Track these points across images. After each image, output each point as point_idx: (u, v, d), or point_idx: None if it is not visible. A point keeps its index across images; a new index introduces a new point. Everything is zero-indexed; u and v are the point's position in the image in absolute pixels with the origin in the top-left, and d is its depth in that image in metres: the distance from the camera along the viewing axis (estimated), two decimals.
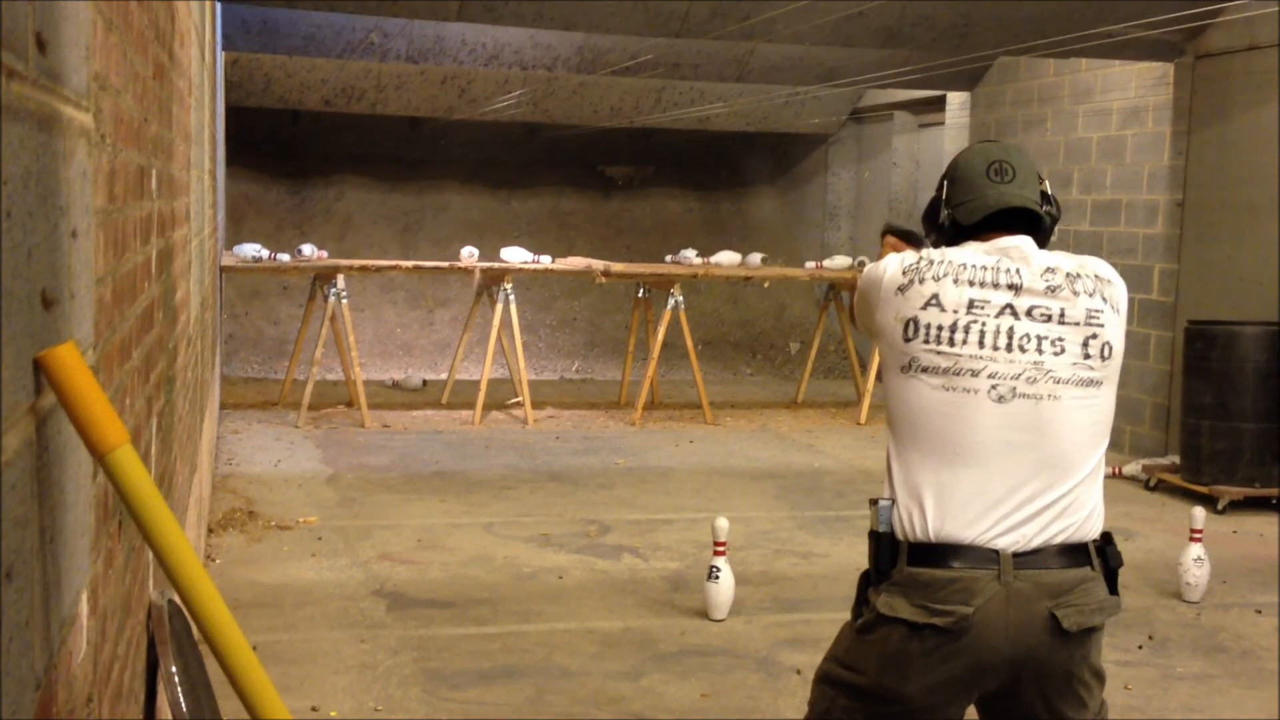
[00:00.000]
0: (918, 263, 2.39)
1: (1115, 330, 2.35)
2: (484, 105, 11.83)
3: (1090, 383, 2.32)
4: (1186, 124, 8.17)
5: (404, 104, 11.96)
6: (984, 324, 2.31)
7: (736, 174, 14.51)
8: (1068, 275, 2.35)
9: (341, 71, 11.35)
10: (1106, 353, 2.33)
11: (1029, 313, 2.31)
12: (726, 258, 10.09)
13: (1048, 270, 2.35)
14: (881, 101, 12.36)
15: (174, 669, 1.95)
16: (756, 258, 10.30)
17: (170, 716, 1.93)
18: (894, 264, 2.42)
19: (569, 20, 7.50)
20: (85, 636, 1.33)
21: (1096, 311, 2.34)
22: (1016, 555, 2.24)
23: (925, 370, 2.32)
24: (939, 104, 11.31)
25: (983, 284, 2.33)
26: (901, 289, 2.37)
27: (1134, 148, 8.62)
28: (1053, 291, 2.33)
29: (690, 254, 10.14)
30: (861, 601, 2.37)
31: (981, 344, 2.30)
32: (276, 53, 10.04)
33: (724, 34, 7.58)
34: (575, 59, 10.28)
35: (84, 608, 1.32)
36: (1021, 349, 2.30)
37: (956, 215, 2.43)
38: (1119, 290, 2.39)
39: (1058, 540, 2.27)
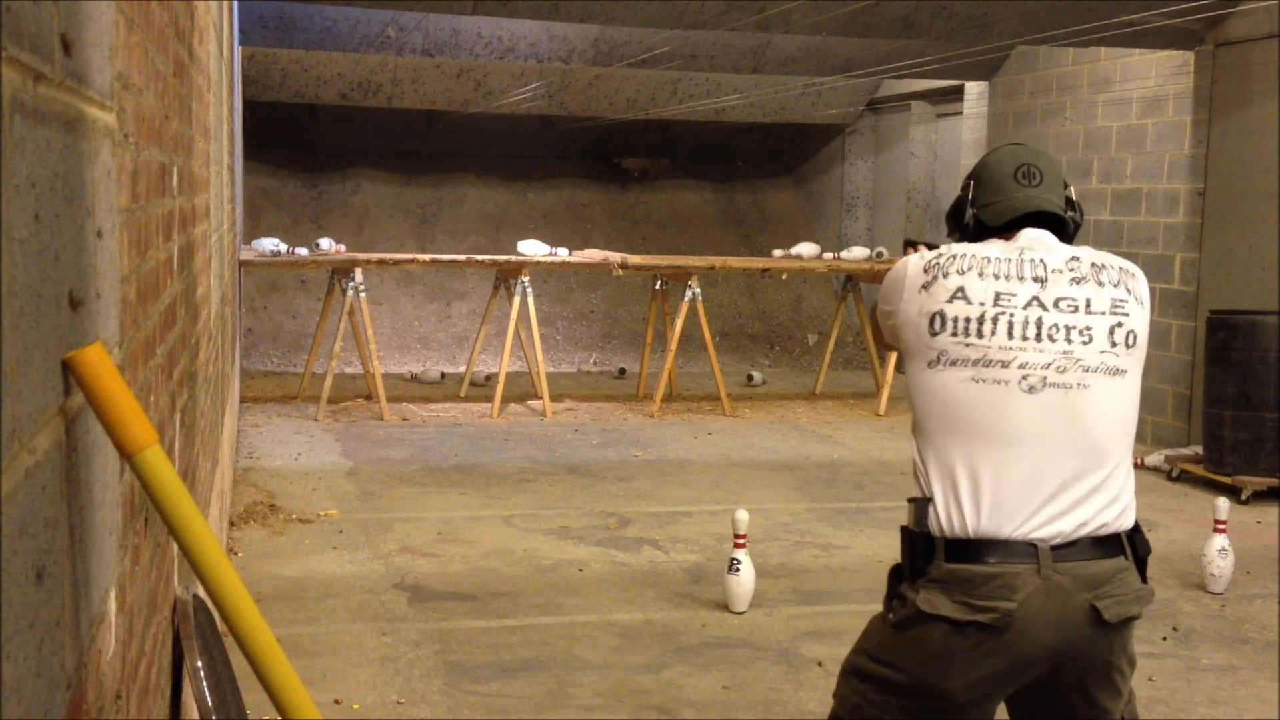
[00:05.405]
0: (938, 259, 2.40)
1: (1140, 320, 2.38)
2: (500, 98, 11.83)
3: (1117, 371, 2.34)
4: (1207, 112, 8.11)
5: (420, 98, 11.97)
6: (1012, 315, 2.32)
7: (753, 165, 14.48)
8: (1093, 265, 2.38)
9: (358, 66, 11.37)
10: (1131, 340, 2.35)
11: (1056, 304, 2.33)
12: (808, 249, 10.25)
13: (1072, 259, 2.38)
14: (899, 91, 12.32)
15: (199, 664, 1.96)
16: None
17: (196, 710, 1.94)
18: (914, 262, 2.43)
19: (584, 12, 7.49)
20: (114, 634, 1.34)
21: (1121, 301, 2.36)
22: (1054, 548, 2.24)
23: (954, 363, 2.32)
24: (957, 94, 11.26)
25: (1008, 277, 2.34)
26: (925, 286, 2.37)
27: (1154, 136, 8.57)
28: (1078, 282, 2.35)
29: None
30: (893, 595, 2.36)
31: (1010, 335, 2.31)
32: (293, 47, 10.07)
33: (739, 25, 7.56)
34: (591, 51, 10.27)
35: (112, 605, 1.33)
36: (1050, 338, 2.30)
37: (982, 216, 2.46)
38: (1142, 284, 2.43)
39: (1093, 532, 2.27)
